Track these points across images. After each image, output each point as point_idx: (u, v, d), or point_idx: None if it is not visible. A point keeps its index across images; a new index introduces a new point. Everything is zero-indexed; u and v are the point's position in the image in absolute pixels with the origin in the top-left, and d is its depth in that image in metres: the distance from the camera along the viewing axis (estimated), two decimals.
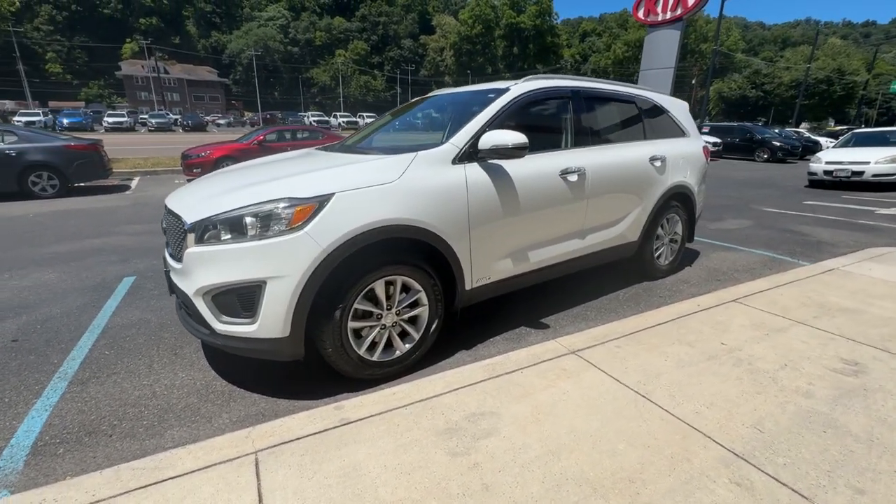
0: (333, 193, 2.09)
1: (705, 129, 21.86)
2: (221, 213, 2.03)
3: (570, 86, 3.19)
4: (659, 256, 4.04)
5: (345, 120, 44.82)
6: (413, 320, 2.50)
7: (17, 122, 31.45)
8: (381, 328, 2.36)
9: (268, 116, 50.39)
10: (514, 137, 2.45)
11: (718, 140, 19.86)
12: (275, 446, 1.89)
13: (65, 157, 8.80)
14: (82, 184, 9.49)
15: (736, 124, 22.62)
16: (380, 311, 2.33)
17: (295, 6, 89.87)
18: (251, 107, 74.19)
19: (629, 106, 3.66)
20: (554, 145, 3.07)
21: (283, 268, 1.98)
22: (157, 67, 64.16)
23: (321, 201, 2.06)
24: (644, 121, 3.72)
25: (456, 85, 4.66)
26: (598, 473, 1.73)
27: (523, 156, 2.54)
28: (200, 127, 38.81)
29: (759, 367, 2.51)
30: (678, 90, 64.92)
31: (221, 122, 53.97)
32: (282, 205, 2.01)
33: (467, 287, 2.64)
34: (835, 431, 1.98)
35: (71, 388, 2.33)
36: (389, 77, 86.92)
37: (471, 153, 2.54)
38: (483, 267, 2.67)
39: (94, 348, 2.75)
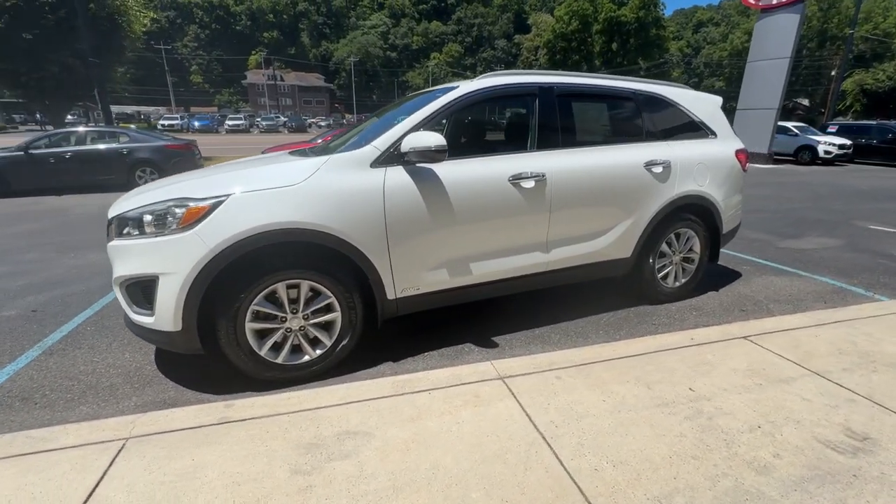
0: (229, 195, 2.12)
1: (832, 129, 18.52)
2: (130, 211, 2.17)
3: (538, 82, 2.86)
4: (665, 277, 3.48)
5: None
6: (327, 326, 2.45)
7: (161, 124, 37.52)
8: (285, 331, 2.35)
9: (363, 118, 53.70)
10: (436, 139, 2.27)
11: (847, 142, 16.69)
12: (147, 435, 1.97)
13: (164, 155, 10.21)
14: None
15: (874, 123, 18.80)
16: (283, 314, 2.31)
17: (396, 13, 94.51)
18: (352, 109, 79.75)
19: (624, 103, 3.19)
20: (510, 147, 2.79)
21: (172, 265, 2.05)
22: (273, 76, 72.08)
23: (214, 203, 2.10)
24: (644, 120, 3.21)
25: None
26: None
27: (443, 159, 2.34)
28: (302, 128, 42.70)
29: (720, 424, 2.03)
30: (815, 83, 55.70)
31: (322, 123, 58.81)
32: (175, 205, 2.09)
33: (390, 297, 2.51)
34: None
35: (40, 357, 2.68)
36: None
37: (396, 156, 2.40)
38: (409, 277, 2.52)
39: (83, 324, 3.14)
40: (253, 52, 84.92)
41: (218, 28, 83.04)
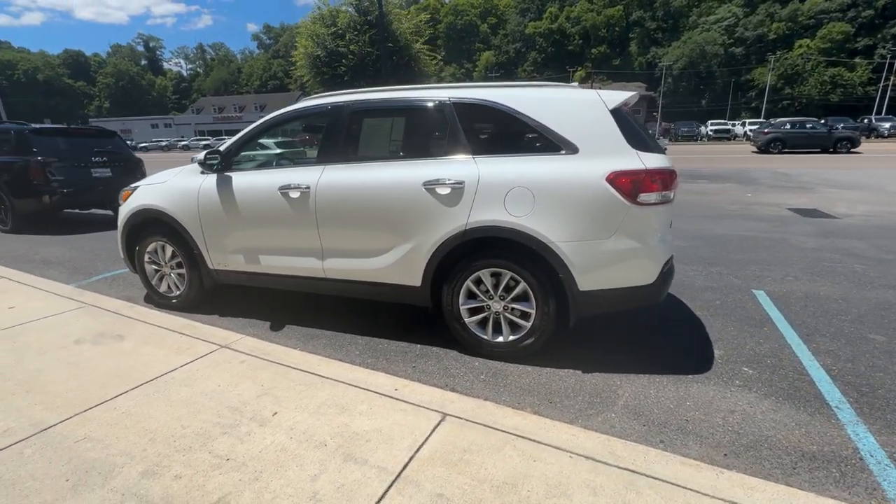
0: (139, 186, 3.66)
1: None
2: None
3: (331, 102, 3.01)
4: (482, 325, 2.76)
5: (752, 127, 36.59)
6: (181, 276, 3.67)
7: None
8: (163, 273, 3.73)
9: (670, 127, 48.90)
10: (201, 156, 3.10)
11: None
12: (91, 306, 3.74)
13: None
14: None
15: None
16: (160, 262, 3.70)
17: (753, 0, 78.75)
18: (675, 117, 73.25)
19: (429, 115, 2.75)
20: (303, 162, 3.11)
21: (120, 220, 3.76)
22: (591, 88, 74.83)
23: (133, 189, 3.68)
24: (450, 132, 2.66)
25: None
26: None
27: (208, 171, 3.08)
28: None
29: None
30: None
31: None
32: (125, 188, 3.79)
33: (210, 267, 3.47)
34: None
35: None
36: (879, 65, 61.81)
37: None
38: (219, 255, 3.39)
39: None
40: (578, 68, 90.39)
41: (552, 51, 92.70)
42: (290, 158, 4.00)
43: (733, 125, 41.08)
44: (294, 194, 3.02)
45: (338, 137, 3.02)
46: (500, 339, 2.78)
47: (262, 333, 3.31)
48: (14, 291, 4.16)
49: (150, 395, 2.42)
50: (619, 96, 2.55)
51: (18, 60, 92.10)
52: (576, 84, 2.83)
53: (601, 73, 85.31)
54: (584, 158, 2.46)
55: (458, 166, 2.66)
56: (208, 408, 2.29)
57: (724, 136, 38.23)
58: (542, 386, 2.53)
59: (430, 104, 2.84)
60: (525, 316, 2.69)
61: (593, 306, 2.56)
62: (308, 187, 2.98)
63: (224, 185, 3.28)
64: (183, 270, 3.64)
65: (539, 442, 1.99)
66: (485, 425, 2.12)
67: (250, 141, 3.33)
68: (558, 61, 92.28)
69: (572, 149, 2.49)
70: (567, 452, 1.92)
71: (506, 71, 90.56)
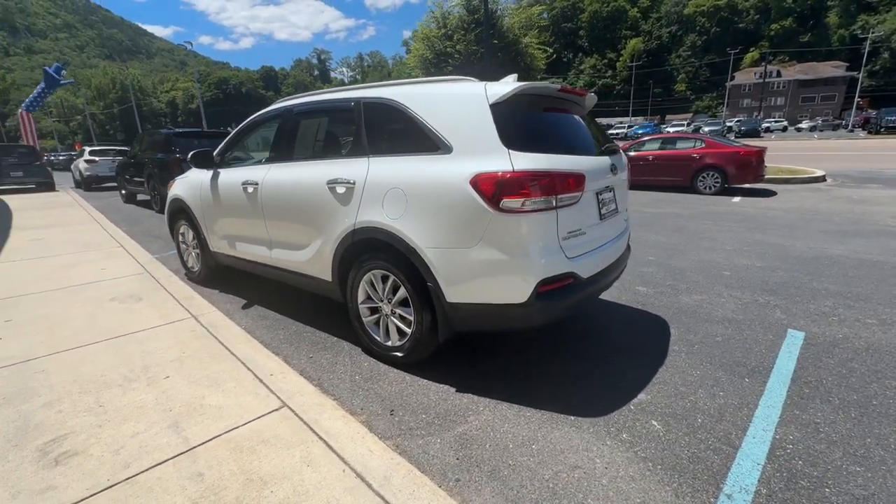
0: (177, 179, 4.47)
1: None
2: None
3: (284, 105, 3.24)
4: (375, 325, 2.70)
5: None
6: (197, 255, 4.39)
7: (610, 133, 42.96)
8: (187, 250, 4.51)
9: (871, 116, 38.53)
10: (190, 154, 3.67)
11: None
12: (146, 275, 4.77)
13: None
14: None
15: None
16: (186, 242, 4.48)
17: None
18: (889, 102, 57.71)
19: (345, 115, 2.75)
20: (261, 161, 3.44)
21: (167, 202, 4.66)
22: (764, 73, 62.77)
23: (173, 182, 4.52)
24: (358, 131, 2.63)
25: None
26: None
27: (202, 168, 3.63)
28: (754, 133, 36.08)
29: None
30: None
31: (803, 125, 46.92)
32: (171, 180, 4.66)
33: (211, 249, 4.08)
34: None
35: None
36: None
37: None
38: (214, 238, 3.97)
39: None
40: (752, 49, 76.75)
41: (717, 31, 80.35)
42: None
43: None
44: (250, 189, 3.39)
45: (283, 137, 3.28)
46: (389, 342, 2.72)
47: (231, 310, 3.79)
48: (116, 257, 5.47)
49: (111, 346, 3.02)
50: (505, 88, 2.25)
51: (230, 77, 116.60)
52: (510, 78, 2.56)
53: (783, 52, 71.06)
54: (456, 159, 2.25)
55: (354, 166, 2.67)
56: (132, 363, 2.77)
57: None
58: (402, 396, 2.42)
59: (345, 105, 2.87)
60: (409, 321, 2.59)
61: (465, 321, 2.33)
62: (257, 183, 3.32)
63: (214, 180, 3.83)
64: (197, 251, 4.37)
65: (333, 450, 1.95)
66: (303, 422, 2.15)
67: (235, 141, 3.82)
68: (722, 43, 79.72)
69: (447, 148, 2.29)
70: (346, 466, 1.85)
71: (654, 58, 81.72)
